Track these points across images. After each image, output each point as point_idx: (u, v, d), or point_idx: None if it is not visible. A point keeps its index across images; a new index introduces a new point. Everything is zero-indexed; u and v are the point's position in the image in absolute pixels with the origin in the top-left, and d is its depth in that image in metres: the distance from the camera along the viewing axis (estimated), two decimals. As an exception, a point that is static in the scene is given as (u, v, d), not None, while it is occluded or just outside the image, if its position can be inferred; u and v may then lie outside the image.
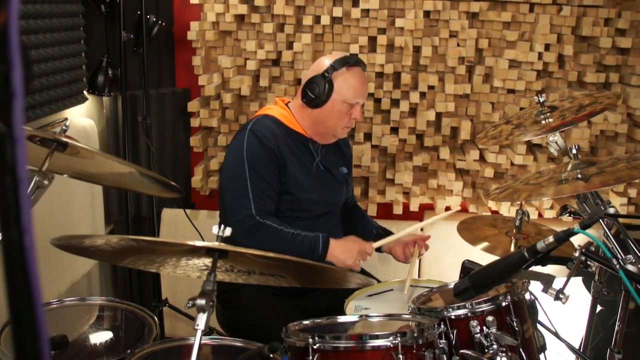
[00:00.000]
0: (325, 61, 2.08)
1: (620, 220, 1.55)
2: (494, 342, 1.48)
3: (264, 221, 1.96)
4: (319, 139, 2.15)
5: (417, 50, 2.85)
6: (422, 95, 2.89)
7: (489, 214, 2.99)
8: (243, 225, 1.95)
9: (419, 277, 2.93)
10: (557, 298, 1.29)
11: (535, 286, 1.44)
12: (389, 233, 2.25)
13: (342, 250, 2.00)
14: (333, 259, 2.00)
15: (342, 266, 2.02)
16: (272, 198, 2.03)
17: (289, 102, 2.20)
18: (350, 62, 2.07)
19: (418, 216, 3.10)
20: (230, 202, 2.03)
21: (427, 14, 2.81)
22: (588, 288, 2.08)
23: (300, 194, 2.08)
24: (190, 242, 1.21)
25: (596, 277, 1.81)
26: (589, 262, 1.40)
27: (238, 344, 1.69)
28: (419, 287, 2.03)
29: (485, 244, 2.10)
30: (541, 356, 1.61)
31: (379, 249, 2.18)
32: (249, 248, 1.93)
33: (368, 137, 2.98)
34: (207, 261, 1.33)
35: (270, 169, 2.02)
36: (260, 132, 2.04)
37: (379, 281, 2.10)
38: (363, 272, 2.21)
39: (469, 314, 1.53)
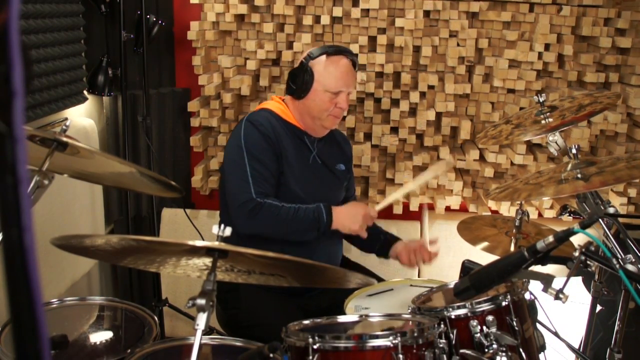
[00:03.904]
0: (305, 52, 2.11)
1: (620, 220, 1.56)
2: (494, 342, 1.48)
3: (264, 201, 1.97)
4: (311, 131, 2.17)
5: (417, 50, 2.85)
6: (422, 95, 2.89)
7: (489, 213, 2.99)
8: (244, 209, 1.96)
9: (419, 277, 2.93)
10: (557, 298, 1.29)
11: (535, 286, 1.44)
12: (396, 239, 2.26)
13: (347, 215, 2.01)
14: (339, 225, 2.00)
15: (348, 232, 2.02)
16: (271, 183, 2.04)
17: (283, 98, 2.22)
18: (329, 50, 2.09)
19: (418, 216, 3.10)
20: (230, 191, 2.04)
21: (427, 13, 2.81)
22: (588, 288, 2.09)
23: (296, 186, 2.09)
24: (190, 242, 1.21)
25: (596, 277, 1.82)
26: (588, 262, 1.40)
27: (238, 344, 1.69)
28: (419, 287, 2.03)
29: (485, 243, 2.10)
30: (541, 356, 1.61)
31: (385, 256, 2.21)
32: (253, 232, 1.95)
33: (368, 137, 2.98)
34: (207, 261, 1.33)
35: (268, 155, 2.03)
36: (257, 121, 2.06)
37: (379, 281, 2.10)
38: (363, 271, 2.21)
39: (469, 314, 1.53)
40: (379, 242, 2.23)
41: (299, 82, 2.07)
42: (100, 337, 1.75)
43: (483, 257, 1.81)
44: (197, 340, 1.21)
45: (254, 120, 2.06)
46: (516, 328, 1.52)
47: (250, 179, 1.99)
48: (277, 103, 2.18)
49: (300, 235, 2.00)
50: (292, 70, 2.11)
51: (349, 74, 2.11)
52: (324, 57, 2.08)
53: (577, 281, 2.44)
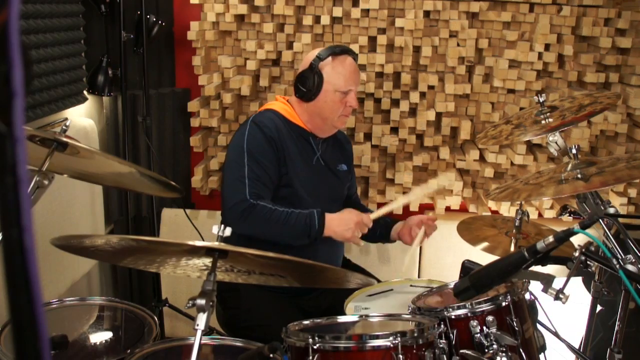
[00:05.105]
0: (312, 54, 2.11)
1: (620, 220, 1.55)
2: (494, 342, 1.48)
3: (257, 202, 1.96)
4: (319, 132, 2.17)
5: (417, 50, 2.85)
6: (422, 95, 2.89)
7: (489, 214, 2.99)
8: (237, 209, 1.95)
9: (419, 277, 2.93)
10: (557, 298, 1.29)
11: (535, 286, 1.44)
12: (395, 221, 2.26)
13: (339, 223, 2.00)
14: (331, 233, 1.99)
15: (341, 239, 2.02)
16: (268, 186, 2.03)
17: (288, 99, 2.22)
18: (335, 51, 2.10)
19: (418, 216, 3.09)
20: (227, 190, 2.04)
21: (427, 14, 2.81)
22: (588, 288, 2.08)
23: (299, 187, 2.09)
24: (190, 242, 1.21)
25: (596, 277, 1.82)
26: (589, 262, 1.40)
27: (238, 344, 1.69)
28: (419, 287, 2.03)
29: (485, 244, 2.09)
30: (541, 356, 1.62)
31: (386, 239, 2.20)
32: (245, 233, 1.95)
33: (368, 137, 2.98)
34: (207, 261, 1.33)
35: (269, 159, 2.03)
36: (262, 122, 2.06)
37: (379, 281, 2.10)
38: (363, 272, 2.21)
39: (469, 314, 1.53)
40: (379, 227, 2.23)
41: (309, 84, 2.07)
42: (100, 337, 1.75)
43: (483, 257, 1.81)
44: (197, 341, 1.21)
45: (259, 122, 2.06)
46: (516, 328, 1.52)
47: (246, 180, 1.98)
48: (282, 104, 2.18)
49: (291, 240, 1.99)
50: (300, 73, 2.11)
51: (356, 72, 2.14)
52: (330, 58, 2.08)
53: (577, 281, 2.44)
